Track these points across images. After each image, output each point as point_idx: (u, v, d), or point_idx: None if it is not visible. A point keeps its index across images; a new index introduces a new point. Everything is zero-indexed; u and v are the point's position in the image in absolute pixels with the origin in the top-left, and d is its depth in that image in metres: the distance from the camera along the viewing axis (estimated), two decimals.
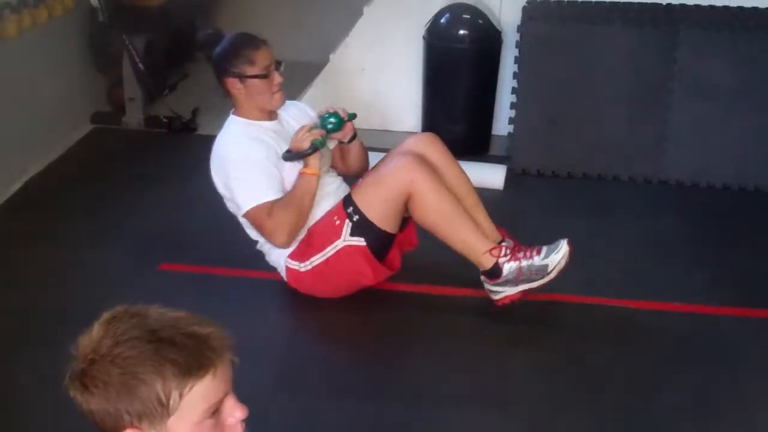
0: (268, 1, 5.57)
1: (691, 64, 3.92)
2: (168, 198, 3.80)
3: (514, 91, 4.08)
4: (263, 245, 3.05)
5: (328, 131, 2.99)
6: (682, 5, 4.05)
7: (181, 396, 1.18)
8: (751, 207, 3.89)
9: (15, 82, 3.89)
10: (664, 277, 3.28)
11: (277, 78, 2.96)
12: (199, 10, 5.44)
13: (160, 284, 3.16)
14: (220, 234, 3.31)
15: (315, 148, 2.86)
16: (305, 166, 2.88)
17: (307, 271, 2.98)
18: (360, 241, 2.92)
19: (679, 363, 2.81)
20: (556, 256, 2.87)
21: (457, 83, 4.23)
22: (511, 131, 4.14)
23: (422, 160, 2.95)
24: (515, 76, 4.06)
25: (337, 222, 2.93)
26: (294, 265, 2.99)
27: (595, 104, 4.01)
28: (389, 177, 2.91)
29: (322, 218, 2.98)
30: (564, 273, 2.90)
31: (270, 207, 2.86)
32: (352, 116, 3.07)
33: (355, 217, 2.90)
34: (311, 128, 2.90)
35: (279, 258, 3.03)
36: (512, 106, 4.10)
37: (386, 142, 4.36)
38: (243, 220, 3.00)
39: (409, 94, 4.41)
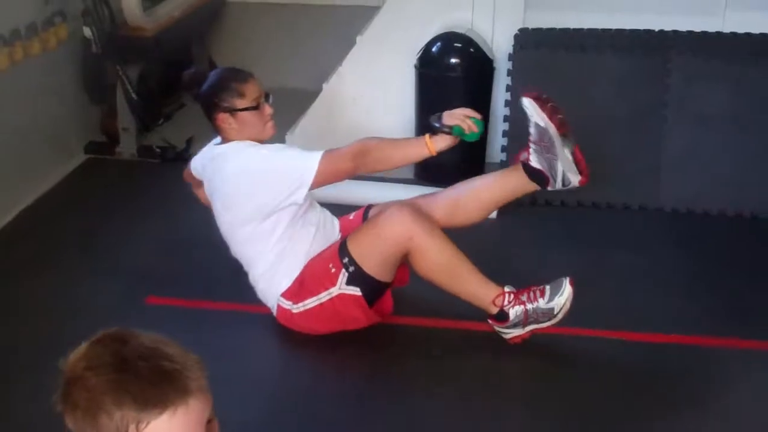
0: (265, 30, 5.56)
1: (684, 90, 3.91)
2: (158, 230, 3.78)
3: (506, 119, 4.06)
4: (255, 279, 3.03)
5: (466, 138, 2.84)
6: (674, 31, 4.05)
7: (138, 431, 1.15)
8: (747, 234, 3.85)
9: (8, 113, 3.90)
10: (658, 309, 3.25)
11: (268, 109, 2.95)
12: (194, 40, 5.45)
13: (149, 318, 3.12)
14: (210, 267, 3.31)
15: (451, 131, 2.77)
16: (431, 137, 2.82)
17: (300, 313, 2.96)
18: (355, 291, 2.90)
19: (674, 399, 2.77)
20: (561, 298, 2.83)
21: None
22: (504, 159, 4.12)
23: (419, 212, 2.91)
24: (507, 103, 4.05)
25: (333, 270, 2.90)
26: (286, 304, 2.97)
27: (589, 132, 3.92)
28: (386, 231, 2.86)
29: (317, 259, 2.96)
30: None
31: (332, 151, 2.82)
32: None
33: (351, 269, 2.88)
34: (469, 116, 2.82)
35: (270, 294, 3.01)
36: (504, 133, 4.08)
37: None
38: (244, 252, 2.99)
39: (403, 123, 4.39)
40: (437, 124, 2.81)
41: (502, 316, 2.88)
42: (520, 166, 3.00)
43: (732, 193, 3.98)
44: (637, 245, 3.73)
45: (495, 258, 3.33)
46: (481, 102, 4.23)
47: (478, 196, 3.10)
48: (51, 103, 4.29)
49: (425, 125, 4.14)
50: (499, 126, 4.20)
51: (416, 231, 2.82)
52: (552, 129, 2.87)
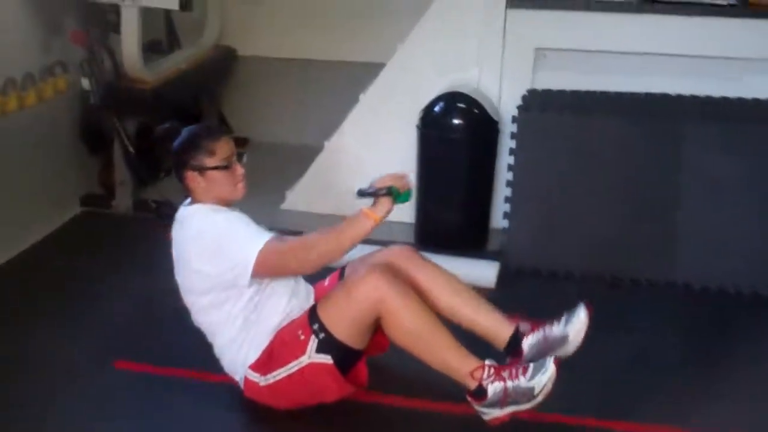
0: (275, 85, 5.48)
1: (698, 157, 3.68)
2: (139, 289, 3.64)
3: (509, 183, 3.88)
4: (220, 350, 2.86)
5: (399, 199, 2.71)
6: (692, 96, 3.91)
7: None
8: (765, 317, 3.59)
9: (3, 161, 3.83)
10: (652, 398, 2.99)
11: (239, 169, 2.80)
12: (203, 93, 5.37)
13: (113, 382, 3.01)
14: (183, 332, 3.12)
15: (391, 193, 2.64)
16: (369, 207, 2.66)
17: (268, 386, 2.78)
18: (326, 359, 2.70)
19: None
20: (542, 377, 2.60)
21: (452, 174, 4.05)
22: (507, 226, 3.94)
23: (392, 274, 2.73)
24: (510, 168, 3.88)
25: (302, 337, 2.72)
26: (254, 377, 2.79)
27: (596, 199, 3.79)
28: (357, 294, 2.68)
29: (287, 328, 2.78)
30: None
31: (276, 242, 2.66)
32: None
33: (321, 335, 2.70)
34: (397, 178, 2.69)
35: (236, 366, 2.83)
36: (507, 199, 3.90)
37: (379, 233, 4.20)
38: (207, 324, 2.84)
39: None
40: (371, 191, 2.67)
41: (480, 393, 2.66)
42: (512, 328, 2.84)
43: (750, 269, 3.74)
44: (639, 324, 3.50)
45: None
46: (485, 165, 4.08)
47: (454, 311, 2.88)
48: (48, 153, 4.22)
49: (426, 186, 4.08)
50: (501, 191, 4.01)
51: (388, 293, 2.65)
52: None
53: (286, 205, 4.57)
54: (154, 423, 2.85)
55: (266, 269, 2.67)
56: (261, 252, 2.63)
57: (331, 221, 4.32)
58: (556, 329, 2.77)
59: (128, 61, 4.24)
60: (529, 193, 3.82)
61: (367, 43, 5.04)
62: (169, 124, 2.92)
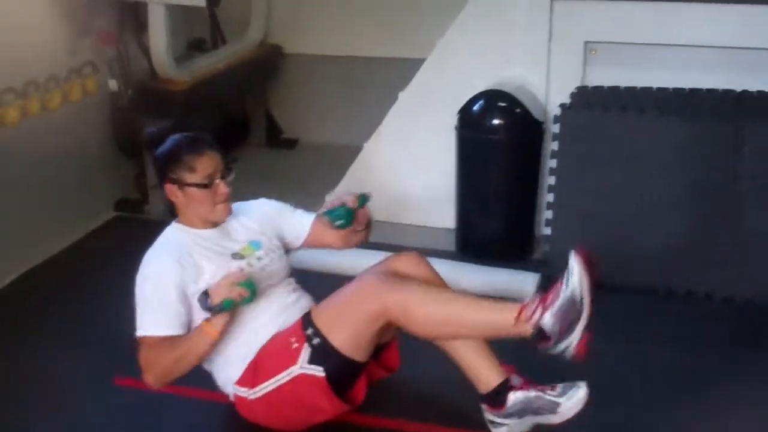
0: (323, 83, 5.28)
1: (763, 162, 3.32)
2: None
3: (551, 188, 3.59)
4: (209, 367, 2.67)
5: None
6: (759, 92, 3.53)
7: None
8: None
9: (38, 163, 3.78)
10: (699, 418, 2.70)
11: (222, 188, 2.59)
12: (248, 93, 5.22)
13: (113, 399, 2.89)
14: None
15: (222, 308, 2.42)
16: (208, 319, 2.45)
17: (257, 399, 2.56)
18: (318, 371, 2.47)
19: None
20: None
21: (493, 178, 3.77)
22: (549, 233, 3.65)
23: (392, 276, 2.54)
24: (552, 171, 3.58)
25: (294, 345, 2.50)
26: (242, 392, 2.59)
27: (647, 207, 3.46)
28: (355, 302, 2.49)
29: (276, 337, 2.56)
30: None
31: (153, 342, 2.49)
32: (364, 200, 2.75)
33: (315, 341, 2.48)
34: (235, 282, 2.43)
35: (226, 384, 2.65)
36: (549, 205, 3.61)
37: (419, 241, 3.98)
38: None
39: (445, 187, 3.97)
40: (207, 306, 2.43)
41: (540, 335, 2.37)
42: (503, 376, 2.55)
43: None
44: (692, 343, 3.17)
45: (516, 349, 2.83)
46: (528, 168, 3.80)
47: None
48: (80, 156, 4.13)
49: (465, 190, 3.82)
50: (543, 196, 3.72)
51: (388, 299, 2.44)
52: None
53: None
54: None
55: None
56: (141, 338, 2.51)
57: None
58: (549, 395, 2.45)
59: (157, 60, 4.10)
60: (572, 199, 3.52)
61: (418, 38, 4.79)
62: (157, 128, 2.75)
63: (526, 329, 2.37)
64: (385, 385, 2.76)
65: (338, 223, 2.72)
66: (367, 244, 2.91)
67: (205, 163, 2.56)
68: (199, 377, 2.79)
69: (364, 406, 2.63)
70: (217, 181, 2.58)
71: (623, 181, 3.46)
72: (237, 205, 2.73)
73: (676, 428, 2.71)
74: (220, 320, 2.44)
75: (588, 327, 2.35)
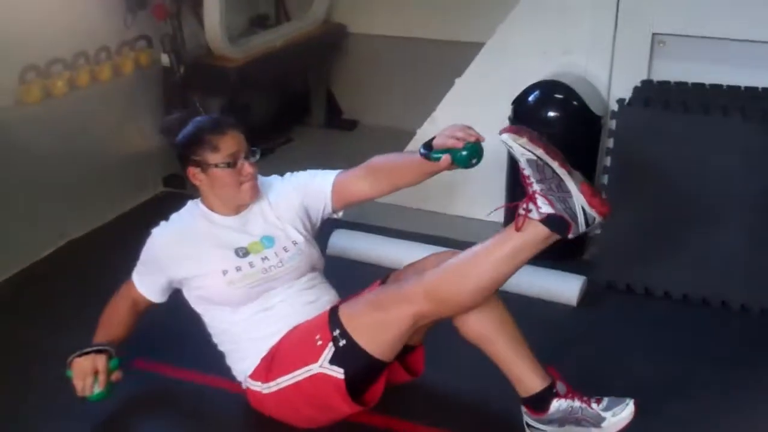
0: (387, 64, 5.16)
1: None
2: None
3: (603, 188, 3.40)
4: (225, 357, 2.61)
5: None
6: None
7: None
8: None
9: (89, 135, 3.80)
10: None
11: (248, 168, 2.51)
12: (309, 71, 5.13)
13: (130, 382, 2.74)
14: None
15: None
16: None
17: (271, 394, 2.47)
18: (338, 373, 2.36)
19: None
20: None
21: None
22: (599, 234, 3.46)
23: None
24: (606, 170, 3.39)
25: (319, 342, 2.38)
26: (256, 386, 2.50)
27: (707, 211, 3.24)
28: (388, 306, 2.36)
29: (299, 329, 2.47)
30: None
31: (124, 287, 2.69)
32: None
33: (342, 342, 2.36)
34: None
35: (240, 375, 2.58)
36: None
37: (467, 234, 3.83)
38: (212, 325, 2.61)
39: (496, 180, 3.81)
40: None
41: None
42: (548, 381, 2.43)
43: None
44: (744, 361, 2.96)
45: (556, 356, 2.70)
46: (582, 166, 3.53)
47: (488, 337, 2.47)
48: (130, 130, 4.11)
49: (516, 186, 3.64)
50: None
51: (425, 306, 2.32)
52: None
53: None
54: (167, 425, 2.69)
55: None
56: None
57: (417, 218, 4.01)
58: (595, 408, 2.35)
59: (210, 36, 4.04)
60: (626, 200, 3.30)
61: (486, 22, 4.61)
62: (176, 114, 2.68)
63: (536, 226, 2.30)
64: (407, 388, 2.65)
65: (474, 161, 2.45)
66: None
67: (228, 143, 2.48)
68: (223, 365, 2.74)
69: (382, 408, 2.52)
70: (242, 161, 2.49)
71: (681, 185, 3.24)
72: (264, 182, 2.66)
73: None
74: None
75: (571, 174, 2.32)
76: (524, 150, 2.28)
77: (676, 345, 3.07)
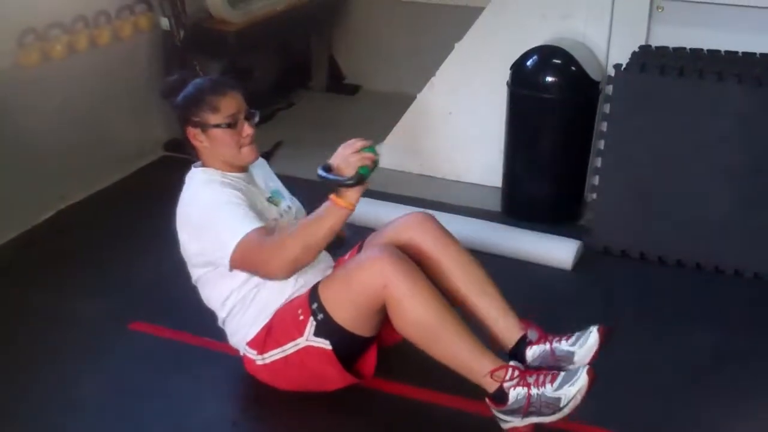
0: (390, 29, 5.16)
1: None
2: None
3: (599, 153, 3.40)
4: (222, 323, 2.63)
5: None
6: None
7: None
8: None
9: (88, 99, 3.80)
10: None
11: (247, 129, 2.51)
12: (311, 36, 5.12)
13: (125, 343, 2.87)
14: None
15: (360, 179, 2.25)
16: (338, 194, 2.29)
17: (264, 366, 2.53)
18: (324, 344, 2.42)
19: None
20: (571, 388, 2.26)
21: (543, 138, 3.61)
22: (595, 197, 3.47)
23: (399, 257, 2.39)
24: (602, 135, 3.39)
25: (301, 317, 2.45)
26: (251, 354, 2.55)
27: (699, 178, 3.25)
28: (358, 277, 2.39)
29: (288, 305, 2.51)
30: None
31: (257, 237, 2.33)
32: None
33: (320, 316, 2.42)
34: (362, 149, 2.30)
35: (237, 341, 2.61)
36: (596, 171, 3.43)
37: (464, 198, 3.87)
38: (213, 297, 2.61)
39: (494, 145, 3.82)
40: (332, 182, 2.27)
41: (500, 397, 2.32)
42: (521, 332, 2.49)
43: None
44: (736, 324, 2.99)
45: (550, 318, 2.66)
46: (581, 131, 3.61)
47: (464, 295, 2.55)
48: (130, 95, 4.11)
49: (514, 149, 3.66)
50: (594, 161, 3.54)
51: (391, 279, 2.33)
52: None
53: None
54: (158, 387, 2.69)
55: (243, 263, 2.37)
56: (240, 243, 2.33)
57: (415, 183, 4.01)
58: (564, 345, 2.40)
59: (212, 1, 4.03)
60: (621, 166, 3.33)
61: None
62: (177, 75, 2.68)
63: (491, 385, 2.32)
64: (399, 351, 2.67)
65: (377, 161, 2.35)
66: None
67: (228, 103, 2.48)
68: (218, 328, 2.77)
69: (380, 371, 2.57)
70: (242, 121, 2.50)
71: (676, 150, 3.25)
72: None
73: (714, 413, 2.56)
74: (355, 193, 2.28)
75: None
76: (572, 399, 2.26)
77: (670, 309, 3.09)
